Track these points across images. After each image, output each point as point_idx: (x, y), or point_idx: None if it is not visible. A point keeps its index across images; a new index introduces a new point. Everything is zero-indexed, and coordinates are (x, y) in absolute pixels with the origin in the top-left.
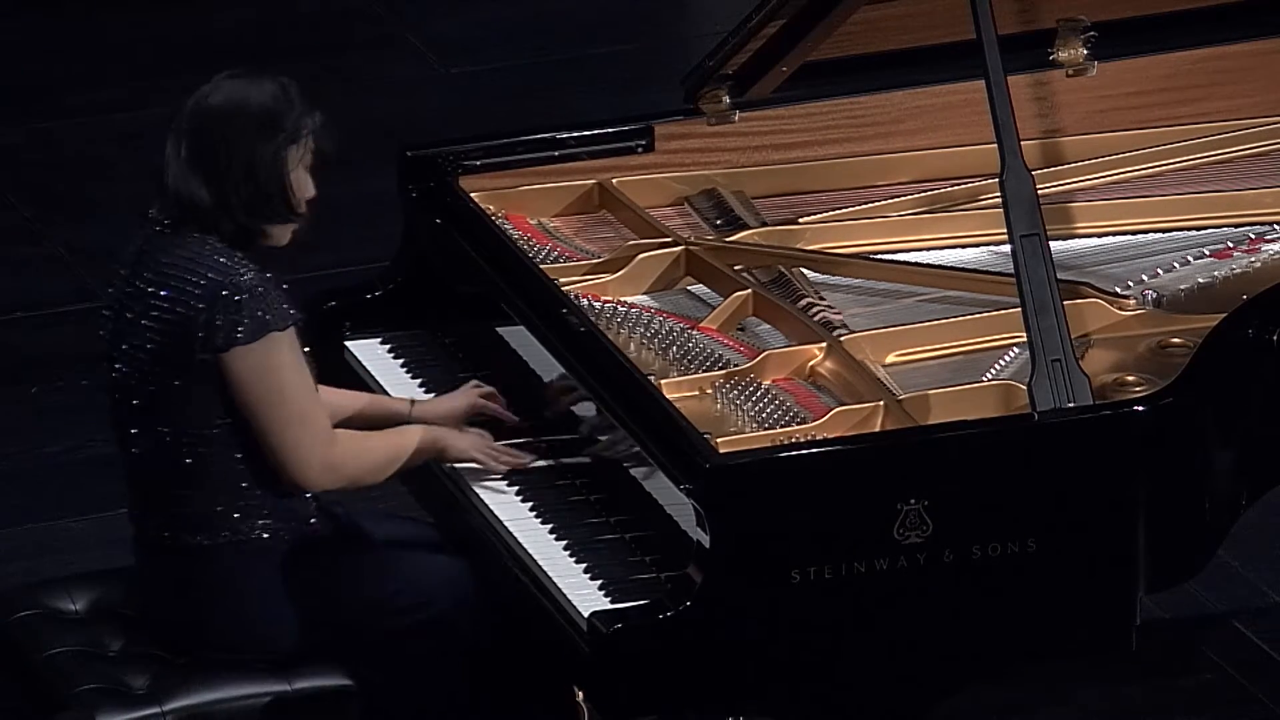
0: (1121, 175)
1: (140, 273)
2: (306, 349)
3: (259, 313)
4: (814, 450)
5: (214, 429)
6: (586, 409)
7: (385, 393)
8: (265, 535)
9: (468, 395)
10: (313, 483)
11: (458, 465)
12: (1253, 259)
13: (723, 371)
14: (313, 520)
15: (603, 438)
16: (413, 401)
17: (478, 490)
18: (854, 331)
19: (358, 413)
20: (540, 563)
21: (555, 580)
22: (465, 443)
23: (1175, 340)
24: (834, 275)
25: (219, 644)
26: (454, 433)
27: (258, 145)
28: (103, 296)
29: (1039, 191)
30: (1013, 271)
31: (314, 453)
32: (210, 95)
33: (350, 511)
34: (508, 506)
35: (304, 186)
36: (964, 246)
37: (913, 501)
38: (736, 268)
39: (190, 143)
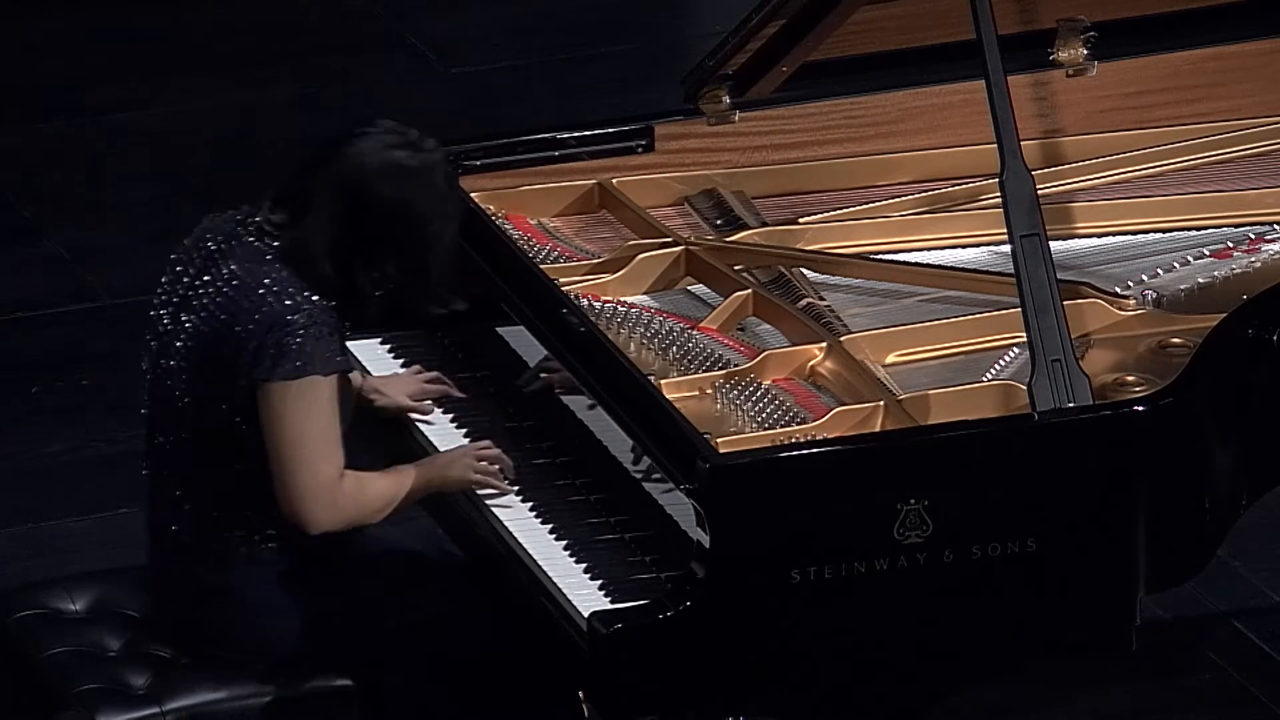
0: (1122, 175)
1: (208, 274)
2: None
3: (308, 354)
4: (814, 450)
5: (239, 441)
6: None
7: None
8: (274, 545)
9: (413, 383)
10: (313, 525)
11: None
12: (1253, 259)
13: (723, 371)
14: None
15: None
16: (364, 375)
17: (477, 490)
18: (854, 331)
19: None
20: (540, 563)
21: (555, 580)
22: (459, 471)
23: (1175, 340)
24: (834, 275)
25: (224, 648)
26: (442, 467)
27: (405, 256)
28: (104, 296)
29: (1039, 191)
30: (1013, 271)
31: (319, 498)
32: (387, 176)
33: None
34: (507, 506)
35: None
36: (964, 246)
37: (913, 501)
38: (736, 268)
39: (344, 212)
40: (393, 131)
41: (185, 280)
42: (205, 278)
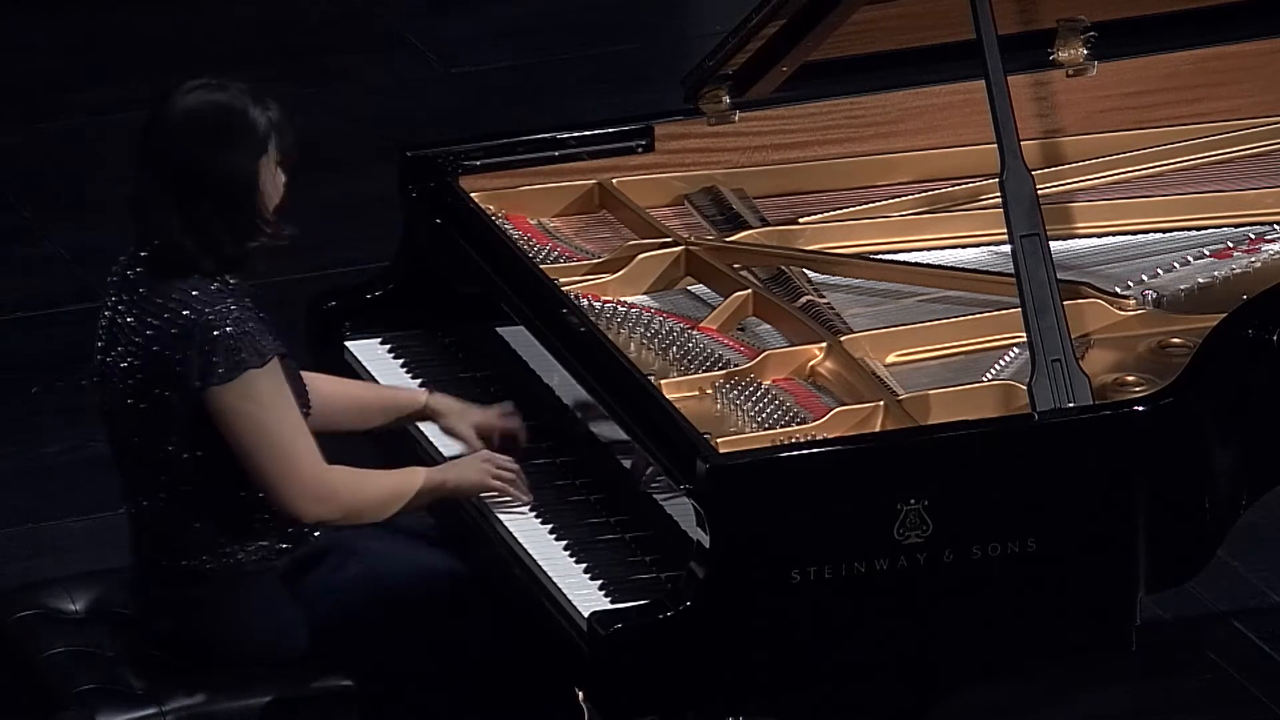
0: (1121, 175)
1: (125, 300)
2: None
3: (235, 351)
4: (814, 450)
5: (201, 459)
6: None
7: None
8: (259, 558)
9: (490, 415)
10: (303, 513)
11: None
12: (1253, 259)
13: (723, 371)
14: (315, 535)
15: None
16: (430, 390)
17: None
18: (854, 331)
19: (367, 404)
20: (540, 563)
21: (555, 580)
22: (475, 475)
23: (1175, 340)
24: (834, 275)
25: (220, 660)
26: (459, 467)
27: (232, 174)
28: (103, 296)
29: (1039, 191)
30: (1013, 271)
31: (303, 485)
32: (173, 129)
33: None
34: (508, 507)
35: (276, 191)
36: (964, 246)
37: (913, 501)
38: (736, 268)
39: (160, 180)
40: (167, 99)
41: (108, 320)
42: (123, 309)
